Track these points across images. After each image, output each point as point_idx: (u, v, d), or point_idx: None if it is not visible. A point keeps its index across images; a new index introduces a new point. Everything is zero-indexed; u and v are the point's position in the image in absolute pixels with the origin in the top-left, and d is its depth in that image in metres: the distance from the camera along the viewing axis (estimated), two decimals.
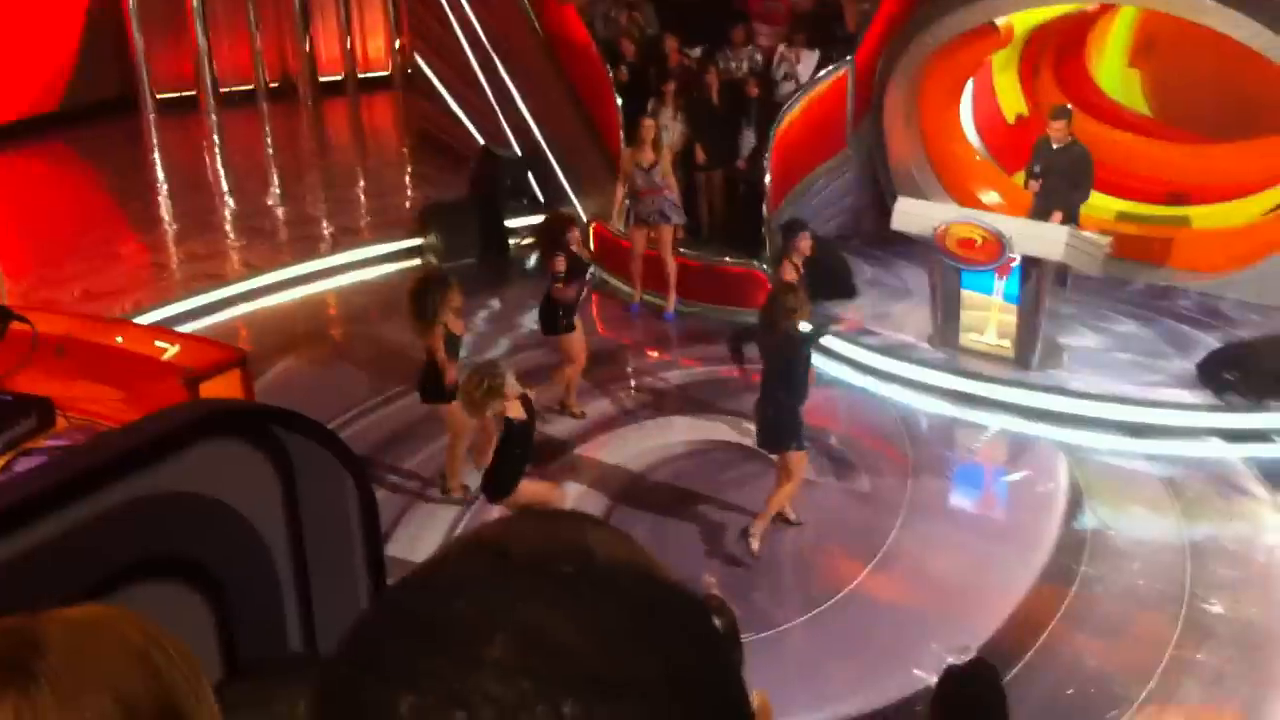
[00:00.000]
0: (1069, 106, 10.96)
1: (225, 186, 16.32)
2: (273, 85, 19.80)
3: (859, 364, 10.36)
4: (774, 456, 8.08)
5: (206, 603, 2.59)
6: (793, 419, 7.84)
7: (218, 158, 17.85)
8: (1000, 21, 11.67)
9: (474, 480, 7.91)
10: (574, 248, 9.35)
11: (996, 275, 9.80)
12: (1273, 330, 9.92)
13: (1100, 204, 11.07)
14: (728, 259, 11.70)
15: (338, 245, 13.37)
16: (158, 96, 19.10)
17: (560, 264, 9.18)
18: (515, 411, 7.19)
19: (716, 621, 1.27)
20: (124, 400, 5.83)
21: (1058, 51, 13.08)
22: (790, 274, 9.33)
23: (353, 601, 3.45)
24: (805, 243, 9.48)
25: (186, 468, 2.54)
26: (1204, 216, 11.67)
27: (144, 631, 1.29)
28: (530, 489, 7.49)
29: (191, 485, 2.56)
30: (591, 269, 9.86)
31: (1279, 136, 11.54)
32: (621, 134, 12.33)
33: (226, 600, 2.62)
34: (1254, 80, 11.39)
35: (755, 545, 7.89)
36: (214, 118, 19.05)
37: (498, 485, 7.41)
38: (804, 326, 7.88)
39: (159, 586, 2.48)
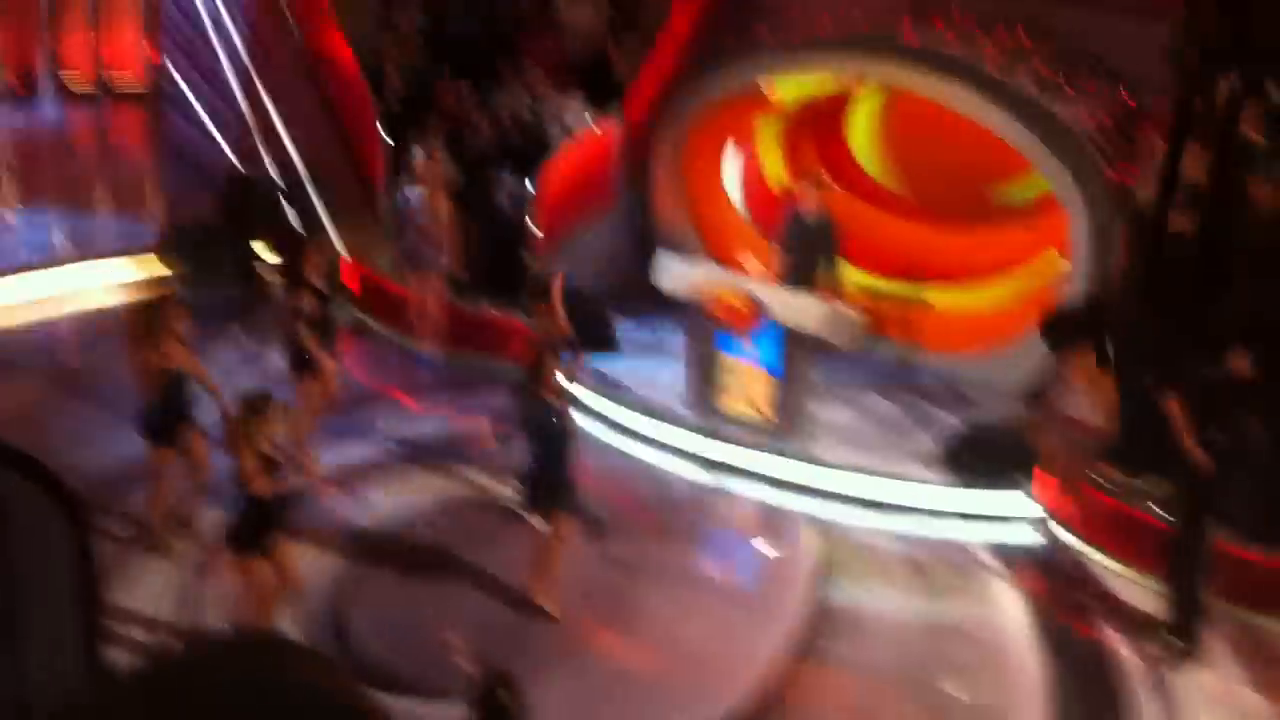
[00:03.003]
0: (819, 179, 11.10)
1: None
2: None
3: (615, 424, 10.29)
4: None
5: None
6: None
7: None
8: (766, 90, 11.83)
9: None
10: (314, 281, 8.91)
11: (744, 341, 9.86)
12: (1008, 414, 10.23)
13: (848, 276, 11.24)
14: (489, 307, 11.49)
15: (74, 268, 12.52)
16: None
17: (305, 299, 8.85)
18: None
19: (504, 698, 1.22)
20: None
21: (820, 127, 13.33)
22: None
23: (66, 649, 3.21)
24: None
25: None
26: (939, 297, 11.97)
27: None
28: (260, 571, 6.94)
29: None
30: (333, 304, 9.29)
31: (1009, 227, 11.94)
32: (384, 167, 11.96)
33: None
34: (991, 169, 11.81)
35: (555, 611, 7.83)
36: None
37: (232, 539, 7.00)
38: None
39: None
